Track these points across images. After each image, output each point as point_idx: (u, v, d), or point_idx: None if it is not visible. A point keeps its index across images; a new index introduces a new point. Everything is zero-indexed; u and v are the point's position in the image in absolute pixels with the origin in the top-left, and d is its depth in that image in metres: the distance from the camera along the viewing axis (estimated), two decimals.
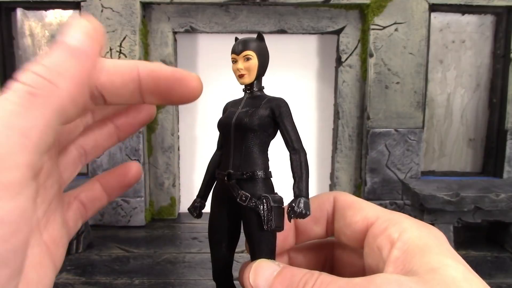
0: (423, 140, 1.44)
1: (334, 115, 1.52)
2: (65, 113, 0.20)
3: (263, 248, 0.29)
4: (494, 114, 1.48)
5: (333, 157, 1.54)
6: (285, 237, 0.31)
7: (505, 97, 1.42)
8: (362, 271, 0.29)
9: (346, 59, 1.44)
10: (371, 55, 1.38)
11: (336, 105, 1.50)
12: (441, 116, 1.52)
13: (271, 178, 0.31)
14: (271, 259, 0.29)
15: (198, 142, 1.58)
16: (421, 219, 1.24)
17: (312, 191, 1.68)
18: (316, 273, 0.24)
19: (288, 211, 0.28)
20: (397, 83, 1.39)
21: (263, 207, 0.29)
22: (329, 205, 0.31)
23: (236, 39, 0.34)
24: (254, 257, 0.29)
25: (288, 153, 0.31)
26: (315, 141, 1.59)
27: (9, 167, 0.17)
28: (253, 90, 0.33)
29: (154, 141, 1.47)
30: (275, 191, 0.31)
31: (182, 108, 1.54)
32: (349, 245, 0.31)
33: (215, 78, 1.51)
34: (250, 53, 0.32)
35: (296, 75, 1.54)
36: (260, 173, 0.30)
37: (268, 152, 0.32)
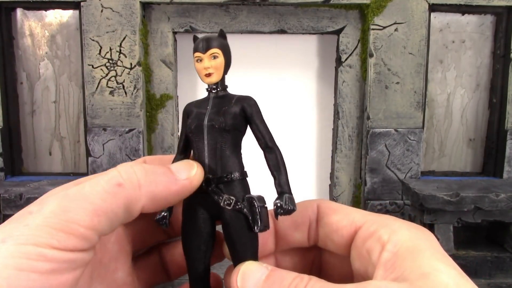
0: (423, 140, 1.44)
1: (334, 115, 1.52)
2: (127, 214, 0.24)
3: (248, 249, 0.28)
4: (494, 114, 1.48)
5: (333, 157, 1.54)
6: (264, 242, 0.30)
7: (505, 97, 1.42)
8: (350, 275, 0.29)
9: (346, 59, 1.44)
10: (371, 55, 1.38)
11: (336, 105, 1.50)
12: (441, 116, 1.52)
13: (247, 178, 0.30)
14: (255, 257, 0.28)
15: None
16: (421, 219, 1.24)
17: (312, 191, 1.68)
18: (306, 277, 0.24)
19: (274, 209, 0.28)
20: (397, 83, 1.39)
21: (250, 208, 0.28)
22: (312, 211, 0.30)
23: (195, 38, 0.32)
24: (238, 261, 0.28)
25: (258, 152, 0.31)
26: (315, 141, 1.59)
27: (69, 231, 0.21)
28: (218, 89, 0.32)
29: (154, 141, 1.47)
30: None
31: (182, 108, 1.54)
32: (336, 253, 0.30)
33: None
34: (217, 51, 0.31)
35: (296, 75, 1.54)
36: (237, 174, 0.29)
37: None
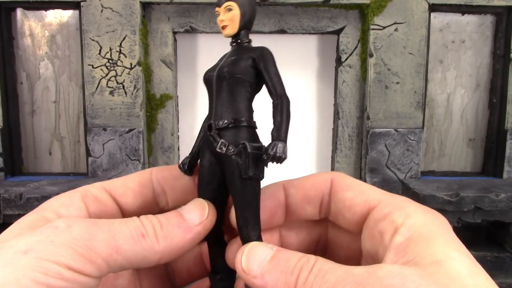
0: (423, 140, 1.44)
1: (334, 115, 1.52)
2: (143, 262, 0.25)
3: (247, 198, 0.28)
4: (494, 114, 1.48)
5: (333, 157, 1.54)
6: (272, 214, 0.30)
7: (505, 97, 1.42)
8: (358, 254, 0.28)
9: (346, 59, 1.44)
10: (371, 55, 1.38)
11: (336, 105, 1.50)
12: (441, 116, 1.52)
13: (255, 128, 0.30)
14: (254, 209, 0.28)
15: None
16: None
17: None
18: (312, 258, 0.23)
19: (264, 155, 0.27)
20: (397, 83, 1.39)
21: (241, 154, 0.27)
22: (326, 185, 0.30)
23: None
24: (237, 211, 0.28)
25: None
26: (315, 141, 1.59)
27: (89, 258, 0.21)
28: (239, 42, 0.32)
29: (154, 141, 1.47)
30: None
31: (182, 108, 1.54)
32: (346, 229, 0.29)
33: None
34: (231, 4, 0.32)
35: (296, 75, 1.54)
36: (242, 120, 0.29)
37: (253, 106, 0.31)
